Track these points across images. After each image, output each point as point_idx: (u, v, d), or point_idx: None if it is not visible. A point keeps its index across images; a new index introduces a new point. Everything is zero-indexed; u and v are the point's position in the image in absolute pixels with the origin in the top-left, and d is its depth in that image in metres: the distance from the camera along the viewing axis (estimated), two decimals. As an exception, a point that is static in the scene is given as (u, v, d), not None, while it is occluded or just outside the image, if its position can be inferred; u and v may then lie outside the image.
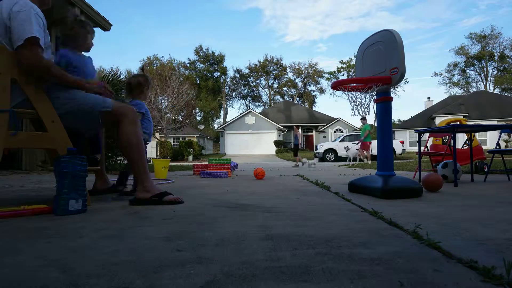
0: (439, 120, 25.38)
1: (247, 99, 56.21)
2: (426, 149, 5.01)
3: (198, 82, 48.95)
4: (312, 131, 33.79)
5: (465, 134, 4.58)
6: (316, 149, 19.44)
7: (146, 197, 2.14)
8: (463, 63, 47.36)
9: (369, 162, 10.89)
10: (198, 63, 52.62)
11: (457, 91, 48.02)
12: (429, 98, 34.72)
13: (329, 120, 33.12)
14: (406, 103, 79.82)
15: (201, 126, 45.24)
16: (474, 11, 65.34)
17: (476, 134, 4.90)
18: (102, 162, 2.65)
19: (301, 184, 3.66)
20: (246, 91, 55.67)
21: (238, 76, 54.03)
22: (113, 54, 76.89)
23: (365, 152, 11.38)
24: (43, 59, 1.87)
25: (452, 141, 3.86)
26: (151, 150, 24.63)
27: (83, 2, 6.20)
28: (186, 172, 6.43)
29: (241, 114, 34.06)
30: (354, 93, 2.75)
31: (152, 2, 73.31)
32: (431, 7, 67.13)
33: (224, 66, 53.04)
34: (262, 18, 74.31)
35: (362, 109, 2.73)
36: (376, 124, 3.04)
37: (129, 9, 75.79)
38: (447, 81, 49.32)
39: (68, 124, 2.06)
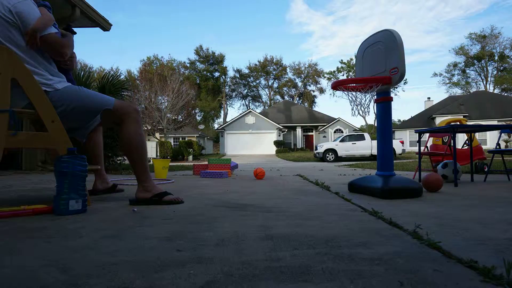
0: (439, 120, 25.39)
1: (247, 99, 56.25)
2: (426, 149, 5.01)
3: (198, 82, 48.93)
4: (312, 131, 33.78)
5: (465, 134, 4.58)
6: (316, 149, 19.45)
7: (146, 197, 2.14)
8: (463, 63, 47.38)
9: None
10: (198, 63, 52.65)
11: (457, 91, 48.09)
12: (429, 98, 34.76)
13: (329, 120, 33.11)
14: (406, 103, 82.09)
15: (201, 126, 45.26)
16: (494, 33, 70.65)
17: (476, 134, 4.90)
18: (101, 162, 2.65)
19: (301, 184, 3.66)
20: (246, 91, 55.71)
21: (238, 76, 54.08)
22: (113, 54, 77.08)
23: None
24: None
25: (452, 141, 3.86)
26: (151, 150, 24.60)
27: (83, 2, 6.20)
28: (186, 172, 6.43)
29: (241, 114, 34.04)
30: (354, 93, 2.75)
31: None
32: (458, 31, 74.69)
33: (224, 66, 53.08)
34: (310, 37, 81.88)
35: (362, 109, 2.73)
36: (376, 124, 3.04)
37: (139, 6, 76.90)
38: (447, 81, 49.37)
39: (69, 123, 2.06)
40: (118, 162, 6.60)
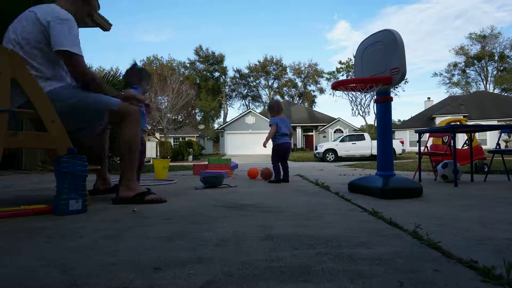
0: (439, 120, 25.38)
1: (247, 99, 56.19)
2: (426, 149, 5.01)
3: (198, 82, 48.90)
4: (312, 131, 33.77)
5: (465, 134, 4.58)
6: (316, 149, 19.45)
7: (128, 196, 2.13)
8: (463, 63, 47.37)
9: None
10: (198, 63, 52.61)
11: (457, 91, 48.08)
12: (429, 98, 34.74)
13: (329, 120, 33.09)
14: (406, 103, 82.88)
15: (201, 126, 45.25)
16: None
17: (476, 134, 4.90)
18: (105, 163, 2.64)
19: (301, 184, 3.66)
20: (246, 91, 55.66)
21: (238, 76, 54.03)
22: (113, 53, 77.12)
23: None
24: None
25: (452, 141, 3.86)
26: (151, 150, 24.58)
27: (83, 2, 6.19)
28: (186, 172, 6.43)
29: (241, 114, 34.03)
30: (354, 93, 2.75)
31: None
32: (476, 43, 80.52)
33: (224, 66, 53.05)
34: (344, 50, 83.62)
35: (362, 109, 2.73)
36: (376, 124, 3.04)
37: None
38: (447, 81, 49.37)
39: (71, 123, 2.06)
40: (118, 162, 6.59)
